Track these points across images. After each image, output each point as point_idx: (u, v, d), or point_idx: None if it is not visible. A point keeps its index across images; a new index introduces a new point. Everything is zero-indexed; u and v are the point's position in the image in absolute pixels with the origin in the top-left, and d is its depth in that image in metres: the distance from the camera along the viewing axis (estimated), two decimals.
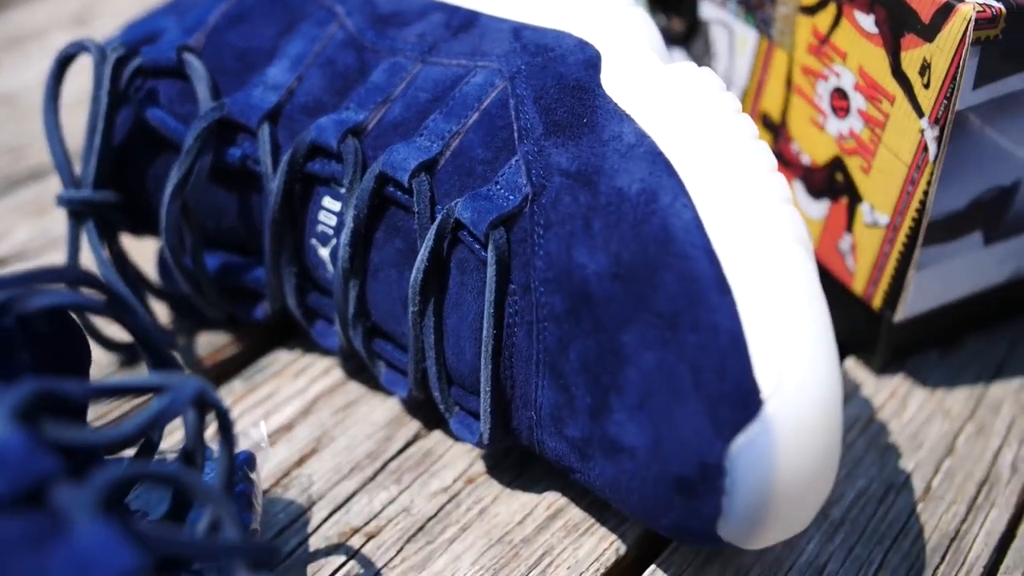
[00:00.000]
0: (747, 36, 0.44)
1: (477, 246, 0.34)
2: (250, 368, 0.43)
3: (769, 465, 0.29)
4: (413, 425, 0.41)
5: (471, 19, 0.39)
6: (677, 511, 0.31)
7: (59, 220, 0.50)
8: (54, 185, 0.52)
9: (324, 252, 0.39)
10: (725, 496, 0.30)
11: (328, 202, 0.38)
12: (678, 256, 0.30)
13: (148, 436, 0.31)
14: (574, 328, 0.32)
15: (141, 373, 0.29)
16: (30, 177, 0.52)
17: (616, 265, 0.31)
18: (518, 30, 0.38)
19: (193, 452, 0.28)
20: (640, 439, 0.31)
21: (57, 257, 0.48)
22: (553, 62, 0.36)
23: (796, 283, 0.30)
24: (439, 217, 0.35)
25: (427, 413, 0.41)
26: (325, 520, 0.37)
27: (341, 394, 0.42)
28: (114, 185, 0.41)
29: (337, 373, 0.43)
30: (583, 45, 0.36)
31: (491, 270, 0.34)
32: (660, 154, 0.33)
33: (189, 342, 0.43)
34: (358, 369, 0.43)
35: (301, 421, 0.41)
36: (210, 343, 0.44)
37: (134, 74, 0.40)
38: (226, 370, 0.43)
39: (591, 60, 0.36)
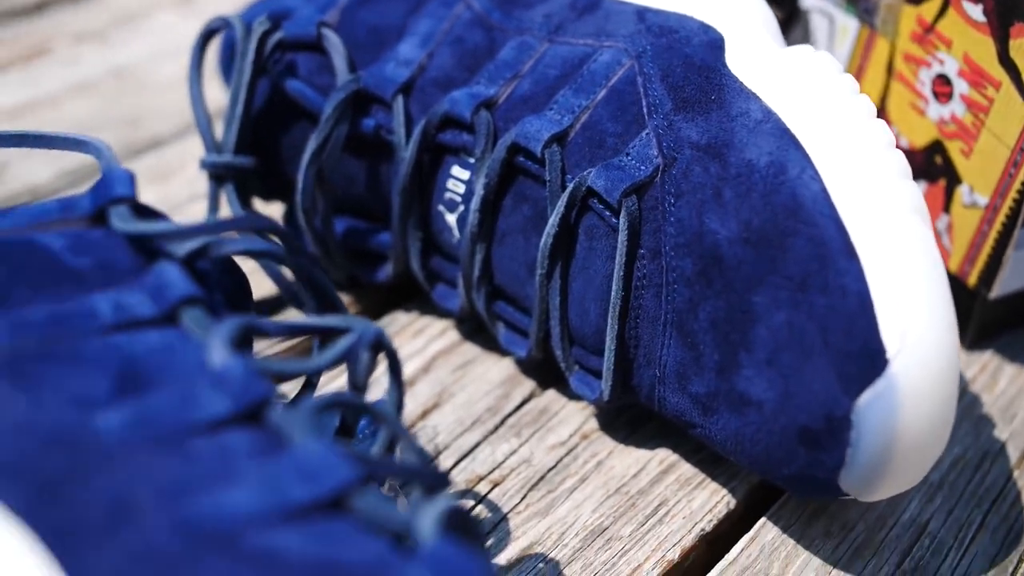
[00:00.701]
0: (848, 25, 0.46)
1: (607, 213, 0.37)
2: None
3: (892, 420, 0.31)
4: (528, 384, 0.43)
5: (595, 2, 0.41)
6: (801, 461, 0.33)
7: (178, 186, 0.52)
8: (171, 153, 0.54)
9: (451, 218, 0.41)
10: (850, 448, 0.32)
11: (457, 171, 0.41)
12: (807, 223, 0.33)
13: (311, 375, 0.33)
14: (704, 289, 0.35)
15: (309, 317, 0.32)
16: (149, 146, 0.55)
17: (747, 231, 0.34)
18: (641, 12, 0.40)
19: (363, 388, 0.31)
20: (768, 393, 0.33)
21: (178, 220, 0.50)
22: (678, 43, 0.38)
23: (917, 251, 0.32)
24: (570, 186, 0.37)
25: (541, 373, 0.43)
26: (452, 467, 0.39)
27: (458, 354, 0.44)
28: (251, 151, 0.44)
29: (453, 334, 0.45)
30: (706, 28, 0.39)
31: (623, 235, 0.36)
32: (786, 130, 0.35)
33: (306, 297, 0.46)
34: (473, 331, 0.45)
35: (421, 378, 0.43)
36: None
37: (275, 47, 0.42)
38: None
39: (715, 42, 0.38)
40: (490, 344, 0.44)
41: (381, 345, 0.30)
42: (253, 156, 0.44)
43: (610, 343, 0.37)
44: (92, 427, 0.24)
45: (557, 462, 0.40)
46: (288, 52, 0.43)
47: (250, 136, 0.43)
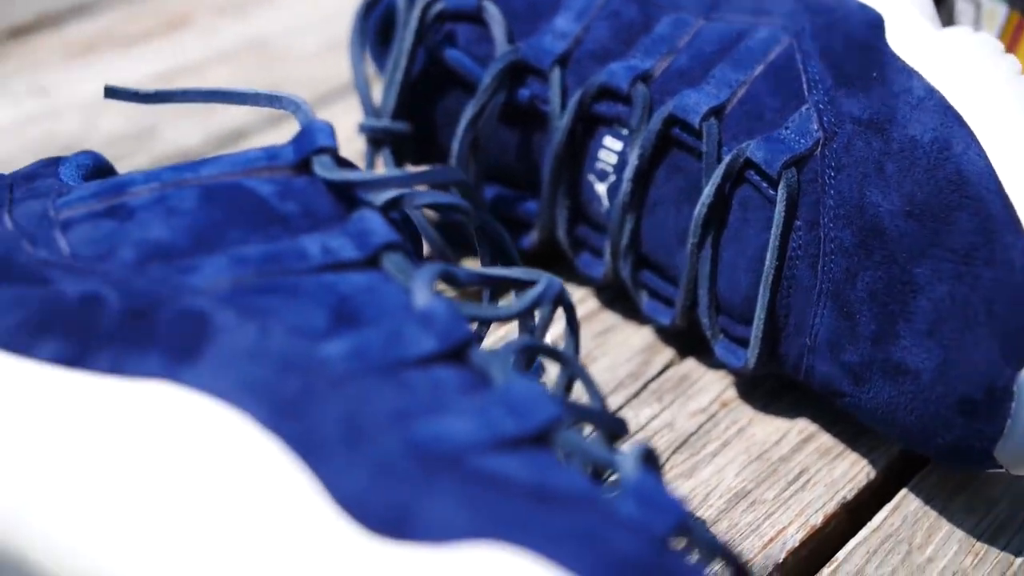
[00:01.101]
0: (996, 11, 0.46)
1: (764, 185, 0.38)
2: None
3: None
4: (668, 352, 0.44)
5: None
6: (957, 431, 0.34)
7: None
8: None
9: (601, 188, 0.43)
10: (1010, 419, 0.33)
11: (609, 141, 0.42)
12: (973, 198, 0.34)
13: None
14: (863, 260, 0.35)
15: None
16: (286, 115, 0.57)
17: (910, 204, 0.35)
18: None
19: (541, 337, 0.32)
20: (927, 362, 0.34)
21: None
22: (838, 22, 0.39)
23: None
24: (727, 157, 0.38)
25: (680, 341, 0.44)
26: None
27: (598, 321, 0.46)
28: (407, 117, 0.45)
29: (592, 302, 0.46)
30: (864, 7, 0.40)
31: (780, 206, 0.37)
32: (950, 107, 0.36)
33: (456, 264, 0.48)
34: (612, 299, 0.46)
35: (562, 343, 0.44)
36: (474, 267, 0.48)
37: (435, 17, 0.44)
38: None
39: (874, 21, 0.39)
40: (629, 312, 0.46)
41: (561, 298, 0.31)
42: (409, 122, 0.45)
43: (760, 312, 0.38)
44: (318, 355, 0.26)
45: (699, 427, 0.41)
46: (449, 22, 0.44)
47: (407, 103, 0.45)
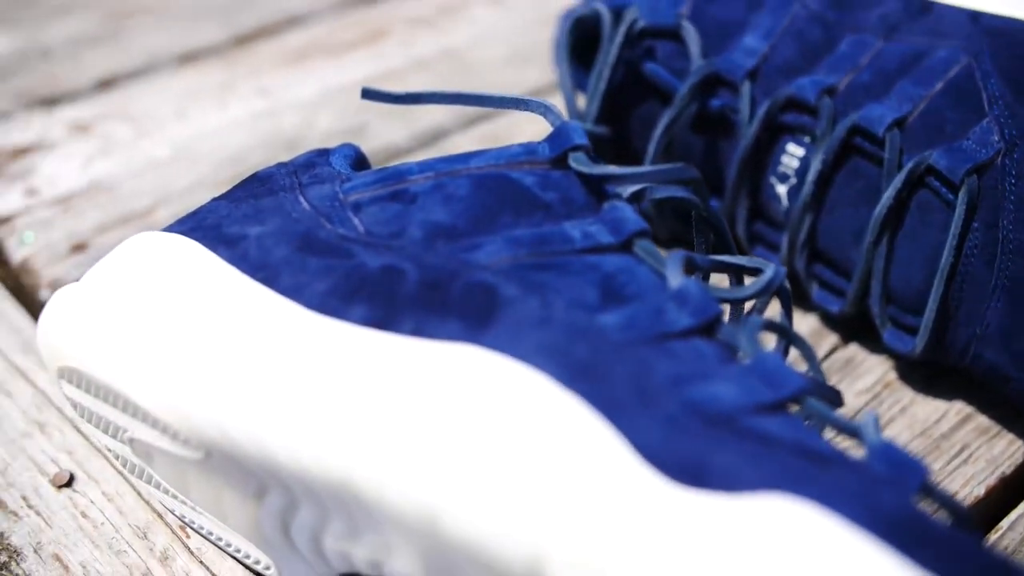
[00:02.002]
0: None
1: (944, 190, 0.38)
2: None
3: None
4: (833, 337, 0.44)
5: (927, 6, 0.42)
6: None
7: None
8: (500, 124, 0.57)
9: (781, 189, 0.43)
10: None
11: (792, 148, 0.42)
12: None
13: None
14: None
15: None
16: (480, 117, 0.58)
17: None
18: (975, 15, 0.41)
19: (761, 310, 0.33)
20: None
21: None
22: (1016, 44, 0.39)
23: None
24: (909, 164, 0.38)
25: (844, 328, 0.44)
26: None
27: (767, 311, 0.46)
28: (605, 122, 0.46)
29: None
30: None
31: (960, 209, 0.37)
32: None
33: None
34: None
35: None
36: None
37: (638, 34, 0.44)
38: None
39: None
40: (797, 300, 0.46)
41: (783, 285, 0.32)
42: (606, 125, 0.46)
43: (933, 303, 0.38)
44: (597, 324, 0.26)
45: (864, 405, 0.41)
46: (648, 39, 0.45)
47: (607, 109, 0.45)
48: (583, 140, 0.31)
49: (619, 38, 0.44)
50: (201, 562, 0.34)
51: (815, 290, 0.44)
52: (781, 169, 0.43)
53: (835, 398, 0.29)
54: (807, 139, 0.42)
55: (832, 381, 0.42)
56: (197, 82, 0.60)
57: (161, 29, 0.64)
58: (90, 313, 0.30)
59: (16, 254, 0.48)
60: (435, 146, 0.55)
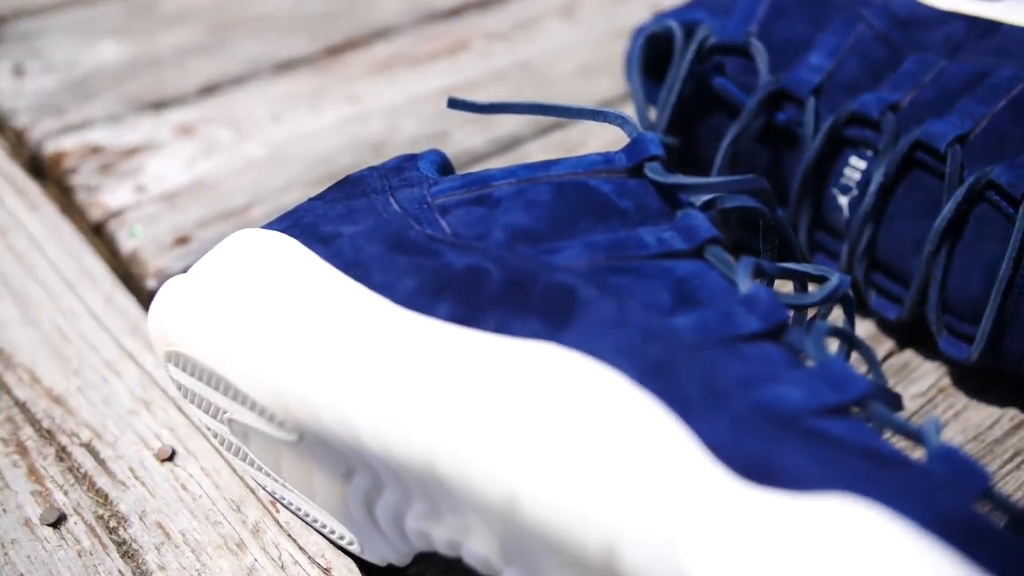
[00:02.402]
0: None
1: (1004, 203, 0.37)
2: None
3: None
4: (889, 343, 0.43)
5: (992, 27, 0.41)
6: None
7: None
8: (573, 132, 0.57)
9: (843, 200, 0.42)
10: None
11: (854, 161, 0.41)
12: None
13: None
14: None
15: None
16: (553, 126, 0.58)
17: None
18: None
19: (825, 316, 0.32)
20: None
21: None
22: None
23: None
24: (970, 179, 0.37)
25: (899, 334, 0.43)
26: None
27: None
28: (674, 132, 0.45)
29: None
30: None
31: (1021, 223, 0.36)
32: None
33: None
34: None
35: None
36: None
37: (708, 50, 0.44)
38: None
39: None
40: (859, 303, 0.45)
41: (847, 293, 0.31)
42: (676, 135, 0.45)
43: (990, 313, 0.37)
44: (670, 326, 0.26)
45: (919, 408, 0.40)
46: (718, 55, 0.44)
47: (677, 120, 0.45)
48: (659, 151, 0.31)
49: (690, 54, 0.43)
50: (289, 535, 0.35)
51: (873, 297, 0.43)
52: (843, 181, 0.42)
53: (896, 402, 0.29)
54: (870, 153, 0.41)
55: (890, 384, 0.41)
56: (291, 89, 0.60)
57: (259, 40, 0.65)
58: (196, 303, 0.31)
59: (126, 245, 0.48)
60: (511, 152, 0.55)
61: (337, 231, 0.31)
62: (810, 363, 0.26)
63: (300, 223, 0.33)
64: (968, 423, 0.40)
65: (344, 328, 0.28)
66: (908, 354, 0.43)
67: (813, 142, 0.42)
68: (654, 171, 0.31)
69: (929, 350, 0.42)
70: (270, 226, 0.33)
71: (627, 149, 0.32)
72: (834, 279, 0.30)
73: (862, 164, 0.41)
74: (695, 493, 0.22)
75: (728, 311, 0.27)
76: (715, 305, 0.27)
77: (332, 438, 0.28)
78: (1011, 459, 0.38)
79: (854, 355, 0.41)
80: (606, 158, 0.32)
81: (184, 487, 0.37)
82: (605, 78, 0.62)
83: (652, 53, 0.48)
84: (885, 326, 0.44)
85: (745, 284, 0.28)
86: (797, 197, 0.43)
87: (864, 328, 0.44)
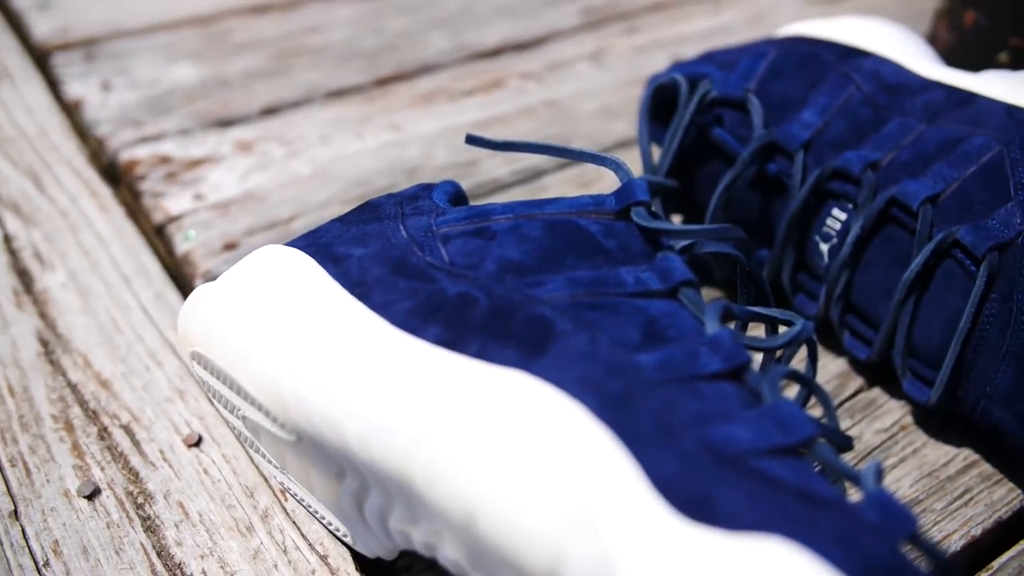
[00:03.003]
0: None
1: (968, 262, 0.35)
2: None
3: None
4: (859, 380, 0.42)
5: (968, 98, 0.40)
6: None
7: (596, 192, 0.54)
8: (590, 168, 0.56)
9: (824, 247, 0.41)
10: None
11: (836, 212, 0.40)
12: None
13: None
14: None
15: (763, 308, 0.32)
16: (573, 162, 0.57)
17: None
18: (1011, 110, 0.38)
19: (788, 360, 0.31)
20: None
21: None
22: None
23: None
24: (938, 236, 0.36)
25: (869, 372, 0.42)
26: None
27: (803, 348, 0.44)
28: (675, 176, 0.44)
29: None
30: None
31: (980, 281, 0.35)
32: None
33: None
34: (817, 333, 0.44)
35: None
36: (708, 295, 0.47)
37: (710, 103, 0.43)
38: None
39: None
40: (830, 344, 0.44)
41: (811, 336, 0.30)
42: (676, 179, 0.44)
43: (949, 361, 0.36)
44: (635, 362, 0.25)
45: (881, 443, 0.39)
46: (718, 107, 0.43)
47: (678, 165, 0.44)
48: (645, 197, 0.30)
49: (692, 105, 0.42)
50: (294, 522, 0.34)
51: (847, 337, 0.41)
52: (825, 230, 0.41)
53: (846, 443, 0.28)
54: (850, 205, 0.40)
55: (854, 419, 0.40)
56: (340, 115, 0.60)
57: (317, 69, 0.65)
58: (217, 310, 0.30)
59: (181, 248, 0.49)
60: (532, 183, 0.55)
61: (349, 252, 0.31)
62: (764, 404, 0.25)
63: (318, 243, 0.32)
64: (924, 460, 0.38)
65: (340, 342, 0.28)
66: (876, 392, 0.42)
67: (800, 192, 0.41)
68: (639, 215, 0.30)
69: (895, 389, 0.41)
70: (293, 243, 0.33)
71: (617, 193, 0.31)
72: (798, 325, 0.29)
73: (842, 216, 0.40)
74: (637, 525, 0.21)
75: (692, 350, 0.26)
76: (681, 344, 0.26)
77: (324, 442, 0.27)
78: (960, 496, 0.37)
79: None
80: (597, 200, 0.31)
81: (206, 471, 0.36)
82: (623, 119, 0.61)
83: (662, 101, 0.47)
84: (856, 365, 0.43)
85: (712, 325, 0.27)
86: (783, 241, 0.42)
87: (837, 365, 0.43)
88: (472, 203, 0.52)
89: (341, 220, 0.34)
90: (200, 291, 0.32)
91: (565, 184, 0.55)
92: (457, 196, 0.36)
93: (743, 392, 0.26)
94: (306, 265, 0.31)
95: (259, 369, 0.28)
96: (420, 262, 0.30)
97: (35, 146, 0.56)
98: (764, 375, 0.26)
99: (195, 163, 0.55)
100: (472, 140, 0.37)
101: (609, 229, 0.30)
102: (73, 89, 0.61)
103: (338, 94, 0.63)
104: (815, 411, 0.40)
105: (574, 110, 0.62)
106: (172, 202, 0.52)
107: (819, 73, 0.43)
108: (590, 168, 0.56)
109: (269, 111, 0.61)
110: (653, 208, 0.31)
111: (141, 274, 0.46)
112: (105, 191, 0.52)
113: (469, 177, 0.55)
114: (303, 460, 0.30)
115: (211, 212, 0.51)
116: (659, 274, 0.29)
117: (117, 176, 0.55)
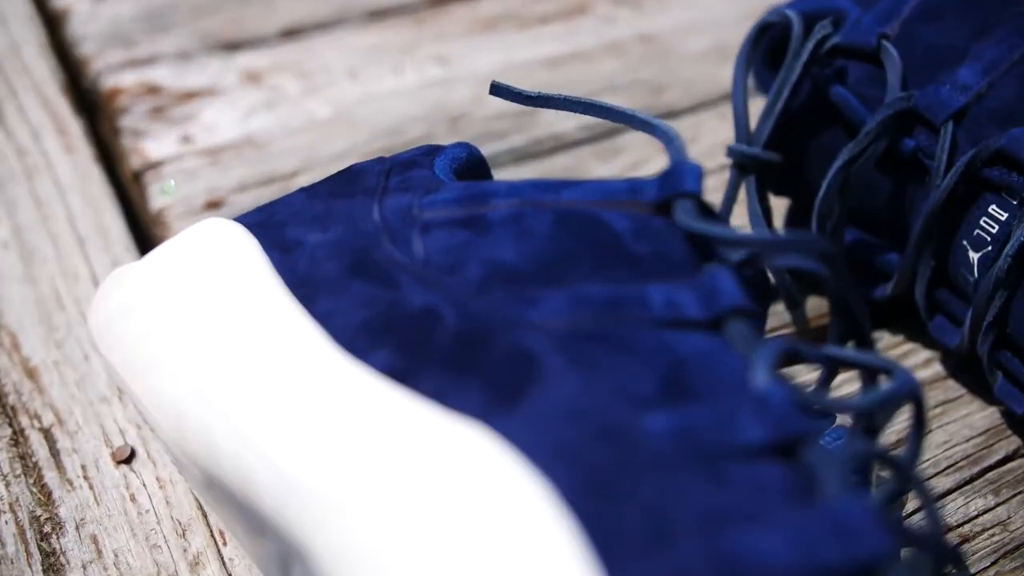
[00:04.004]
0: None
1: None
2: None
3: None
4: (1014, 440, 0.37)
5: None
6: None
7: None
8: (684, 125, 0.52)
9: (973, 255, 0.36)
10: None
11: (994, 210, 0.35)
12: None
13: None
14: None
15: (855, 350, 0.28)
16: (664, 114, 0.53)
17: None
18: None
19: (877, 432, 0.27)
20: None
21: None
22: None
23: None
24: None
25: None
26: (921, 508, 0.35)
27: (941, 389, 0.39)
28: (778, 146, 0.40)
29: (937, 367, 0.40)
30: None
31: None
32: None
33: (801, 300, 0.42)
34: (959, 368, 0.40)
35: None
36: (817, 307, 0.43)
37: (830, 52, 0.38)
38: (824, 335, 0.41)
39: None
40: (978, 386, 0.39)
41: (916, 396, 0.26)
42: (779, 151, 0.40)
43: None
44: (640, 426, 0.22)
45: None
46: (841, 57, 0.39)
47: (783, 131, 0.40)
48: (695, 186, 0.27)
49: (805, 55, 0.38)
50: (230, 574, 0.32)
51: (999, 381, 0.37)
52: (977, 233, 0.36)
53: (949, 557, 0.24)
54: (1014, 202, 0.35)
55: (1000, 495, 0.36)
56: (379, 40, 0.58)
57: None
58: (124, 301, 0.28)
59: (155, 202, 0.47)
60: (606, 141, 0.51)
61: (302, 238, 0.28)
62: (821, 500, 0.22)
63: (271, 221, 0.30)
64: None
65: (264, 362, 0.25)
66: None
67: (945, 180, 0.36)
68: (684, 212, 0.26)
69: None
70: (243, 218, 0.31)
71: (660, 178, 0.27)
72: (895, 379, 0.25)
73: (1003, 215, 0.35)
74: None
75: (728, 412, 0.22)
76: (714, 402, 0.23)
77: (233, 491, 0.25)
78: None
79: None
80: (633, 186, 0.28)
81: (133, 497, 0.35)
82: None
83: (771, 46, 0.43)
84: (1012, 419, 0.38)
85: (763, 376, 0.23)
86: (917, 243, 0.37)
87: (988, 417, 0.38)
88: (518, 170, 0.49)
89: (309, 190, 0.32)
90: (115, 275, 0.30)
91: (646, 146, 0.51)
92: (469, 165, 0.33)
93: (795, 477, 0.22)
94: (246, 252, 0.28)
95: (160, 387, 0.26)
96: (385, 258, 0.27)
97: (2, 66, 0.55)
98: (831, 453, 0.22)
99: (189, 95, 0.54)
100: (496, 90, 0.34)
101: (643, 228, 0.26)
102: None
103: (379, 14, 0.60)
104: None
105: (675, 48, 0.58)
106: (154, 144, 0.50)
107: (993, 15, 0.38)
108: (684, 127, 0.52)
109: (290, 33, 0.59)
110: (706, 202, 0.27)
111: (100, 235, 0.45)
112: (76, 127, 0.51)
113: (526, 131, 0.52)
114: (221, 507, 0.28)
115: (199, 159, 0.49)
116: (701, 296, 0.25)
117: (94, 107, 0.54)
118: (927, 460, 0.36)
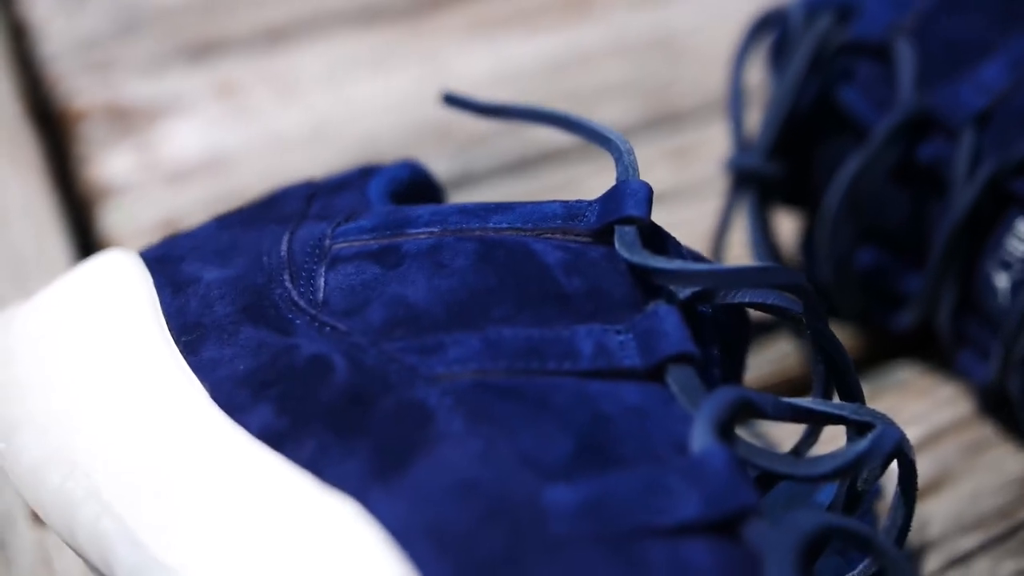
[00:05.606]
0: None
1: None
2: (871, 373, 0.38)
3: None
4: None
5: None
6: None
7: (697, 167, 0.48)
8: (691, 130, 0.50)
9: (1002, 280, 0.33)
10: None
11: (1023, 229, 0.32)
12: None
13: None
14: None
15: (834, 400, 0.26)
16: (669, 118, 0.51)
17: None
18: None
19: (861, 496, 0.24)
20: None
21: (695, 204, 0.45)
22: None
23: None
24: None
25: None
26: (941, 571, 0.32)
27: (970, 431, 0.36)
28: (782, 153, 0.37)
29: (965, 405, 0.37)
30: None
31: None
32: None
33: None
34: (987, 407, 0.37)
35: (922, 451, 0.36)
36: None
37: (837, 47, 0.36)
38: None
39: None
40: (1012, 427, 0.36)
41: (901, 454, 0.23)
42: (784, 158, 0.37)
43: None
44: (541, 504, 0.19)
45: None
46: (849, 53, 0.36)
47: (786, 137, 0.37)
48: (638, 210, 0.24)
49: (807, 50, 0.35)
50: None
51: None
52: (1005, 254, 0.33)
53: None
54: None
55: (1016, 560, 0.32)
56: (364, 44, 0.56)
57: None
58: (5, 349, 0.26)
59: (103, 224, 0.46)
60: (602, 150, 0.49)
61: (198, 275, 0.26)
62: None
63: (171, 254, 0.28)
64: None
65: (134, 421, 0.23)
66: None
67: (966, 192, 0.33)
68: (624, 241, 0.24)
69: None
70: (147, 251, 0.29)
71: (602, 201, 0.25)
72: (872, 434, 0.22)
73: None
74: None
75: (655, 482, 0.20)
76: (639, 470, 0.20)
77: (95, 568, 0.23)
78: None
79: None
80: (571, 211, 0.25)
81: (47, 563, 0.33)
82: (758, 66, 0.53)
83: (775, 41, 0.40)
84: None
85: (702, 436, 0.21)
86: (938, 265, 0.34)
87: (1016, 464, 0.35)
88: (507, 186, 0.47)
89: (223, 218, 0.30)
90: (4, 314, 0.28)
91: (659, 157, 0.48)
92: (412, 187, 0.31)
93: (734, 560, 0.19)
94: (135, 291, 0.26)
95: (24, 445, 0.24)
96: (282, 300, 0.25)
97: None
98: (780, 530, 0.20)
99: (153, 108, 0.52)
100: (449, 100, 0.32)
101: (577, 260, 0.24)
102: None
103: (364, 19, 0.58)
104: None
105: (689, 48, 0.56)
106: (109, 162, 0.49)
107: (1021, 7, 0.35)
108: (692, 133, 0.50)
109: (269, 35, 0.57)
110: (658, 227, 0.25)
111: (42, 265, 0.44)
112: (29, 140, 0.50)
113: (516, 135, 0.49)
114: None
115: (156, 179, 0.48)
116: (639, 340, 0.23)
117: (49, 117, 0.53)
118: (952, 514, 0.33)
